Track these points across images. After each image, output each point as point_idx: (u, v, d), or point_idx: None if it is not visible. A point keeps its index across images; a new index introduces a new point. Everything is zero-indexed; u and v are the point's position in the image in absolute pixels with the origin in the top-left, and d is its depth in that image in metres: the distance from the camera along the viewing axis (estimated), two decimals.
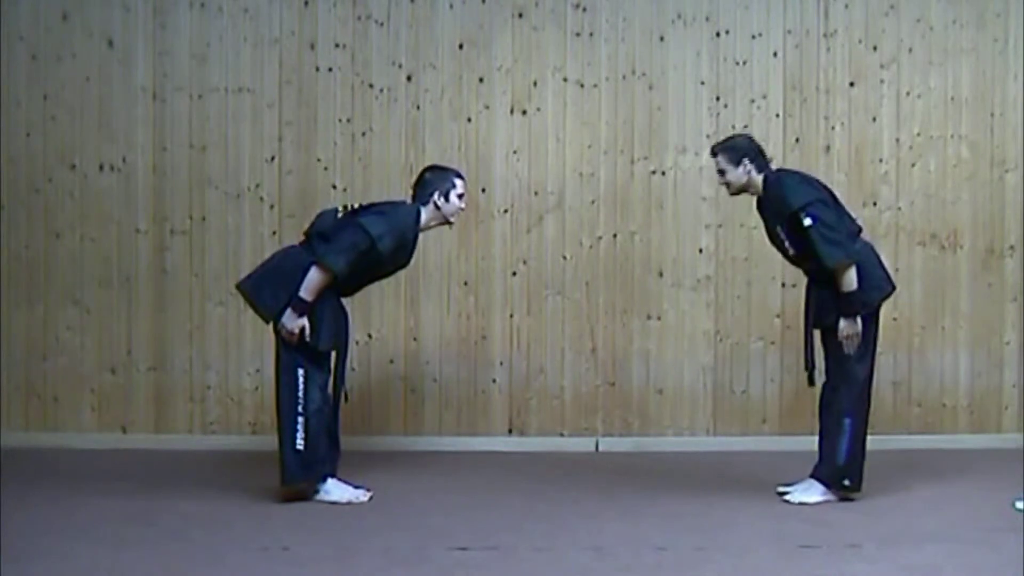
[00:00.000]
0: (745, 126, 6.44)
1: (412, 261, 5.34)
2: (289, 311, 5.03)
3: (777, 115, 6.51)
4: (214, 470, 5.87)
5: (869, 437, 5.25)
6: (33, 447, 6.29)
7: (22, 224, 6.46)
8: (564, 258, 6.50)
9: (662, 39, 6.51)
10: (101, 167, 6.46)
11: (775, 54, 6.51)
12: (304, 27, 6.45)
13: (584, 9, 6.49)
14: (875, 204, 6.48)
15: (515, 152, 6.49)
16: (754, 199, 5.34)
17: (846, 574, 4.23)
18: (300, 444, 5.10)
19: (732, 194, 5.36)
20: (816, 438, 5.33)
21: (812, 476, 5.31)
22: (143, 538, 4.61)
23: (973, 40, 6.55)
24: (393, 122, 6.46)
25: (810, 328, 5.34)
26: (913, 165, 6.55)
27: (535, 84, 6.49)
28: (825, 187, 5.24)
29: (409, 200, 5.31)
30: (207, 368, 6.47)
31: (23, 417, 6.46)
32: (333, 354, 5.25)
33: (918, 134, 6.55)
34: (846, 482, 5.22)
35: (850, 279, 5.08)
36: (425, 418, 6.50)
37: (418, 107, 6.44)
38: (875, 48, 6.53)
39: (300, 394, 5.10)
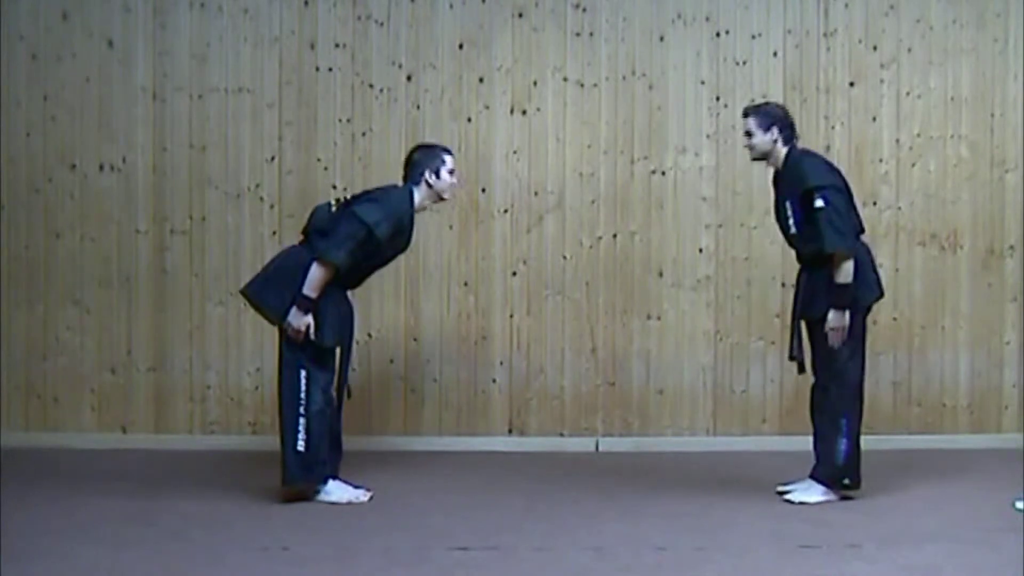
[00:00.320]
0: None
1: (411, 246, 5.33)
2: (295, 309, 5.04)
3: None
4: (214, 470, 5.87)
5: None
6: (33, 447, 6.29)
7: (22, 224, 6.46)
8: (564, 258, 6.50)
9: (662, 39, 6.51)
10: (101, 167, 6.46)
11: (775, 54, 6.51)
12: (304, 27, 6.45)
13: (584, 9, 6.49)
14: (875, 204, 6.47)
15: (515, 152, 6.49)
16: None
17: (846, 574, 4.23)
18: (301, 445, 5.10)
19: (753, 159, 5.37)
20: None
21: (811, 477, 5.31)
22: (143, 538, 4.61)
23: (973, 40, 6.55)
24: (393, 122, 6.46)
25: (798, 316, 5.34)
26: (913, 165, 6.55)
27: (535, 84, 6.49)
28: (844, 179, 5.25)
29: (401, 183, 5.30)
30: (207, 368, 6.47)
31: (23, 417, 6.46)
32: (338, 351, 5.25)
33: (918, 134, 6.55)
34: (846, 481, 5.23)
35: (847, 270, 5.09)
36: (425, 418, 6.50)
37: (418, 107, 6.44)
38: (875, 48, 6.53)
39: (302, 395, 5.10)
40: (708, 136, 6.49)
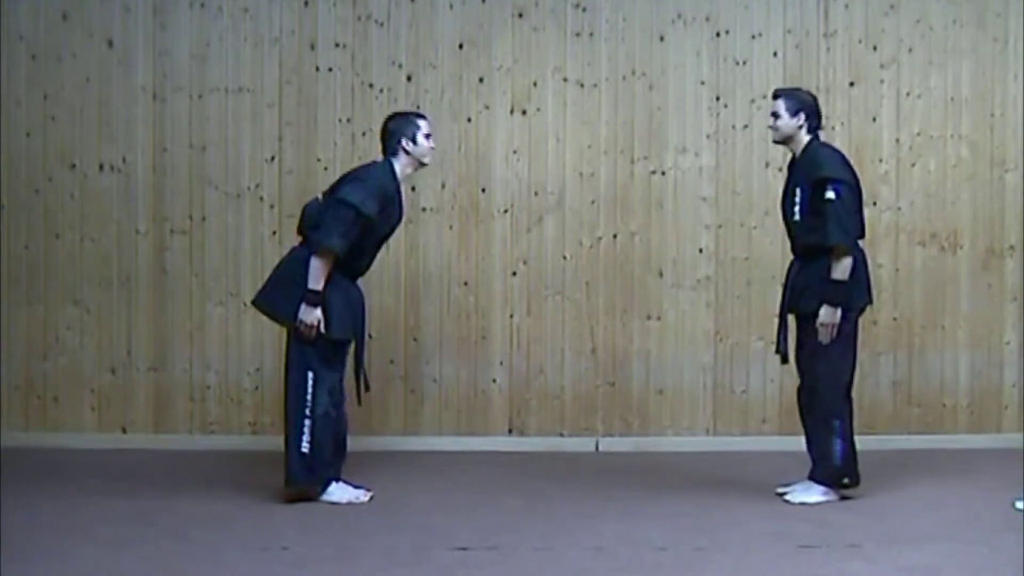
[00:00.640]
0: (745, 126, 6.46)
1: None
2: (304, 305, 5.03)
3: None
4: (214, 470, 5.87)
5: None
6: (33, 447, 6.28)
7: (22, 224, 6.46)
8: (564, 258, 6.50)
9: (662, 39, 6.51)
10: (101, 167, 6.46)
11: (775, 54, 6.51)
12: (304, 27, 6.45)
13: (584, 9, 6.49)
14: (875, 204, 6.47)
15: (515, 152, 6.49)
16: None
17: (846, 574, 4.23)
18: (305, 447, 5.10)
19: (775, 141, 5.39)
20: None
21: (810, 478, 5.31)
22: (143, 538, 4.61)
23: (973, 40, 6.55)
24: None
25: (786, 309, 5.33)
26: (913, 165, 6.55)
27: (535, 84, 6.49)
28: (857, 179, 5.26)
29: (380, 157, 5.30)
30: (207, 368, 6.46)
31: (23, 417, 6.46)
32: (349, 345, 5.23)
33: (918, 134, 6.55)
34: (846, 480, 5.24)
35: (845, 266, 5.10)
36: (425, 418, 6.50)
37: (418, 107, 6.43)
38: (875, 48, 6.53)
39: (308, 397, 5.10)
40: (708, 136, 6.49)
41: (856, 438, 5.31)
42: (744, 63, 6.51)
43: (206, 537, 4.65)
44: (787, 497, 5.28)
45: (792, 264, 5.36)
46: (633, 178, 6.51)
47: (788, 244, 5.45)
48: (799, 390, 5.38)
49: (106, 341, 6.46)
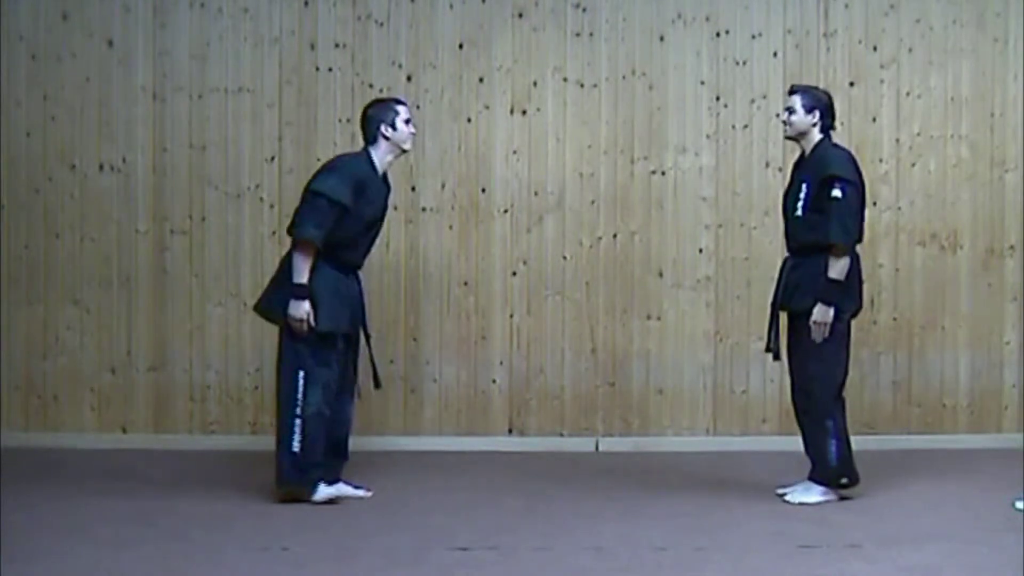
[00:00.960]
0: (745, 126, 6.46)
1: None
2: (292, 301, 5.03)
3: (777, 115, 6.47)
4: (214, 470, 5.87)
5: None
6: (33, 447, 6.28)
7: (22, 224, 6.46)
8: (564, 258, 6.50)
9: (662, 39, 6.51)
10: (101, 167, 6.46)
11: (775, 54, 6.51)
12: (304, 27, 6.45)
13: (584, 9, 6.49)
14: (875, 204, 6.46)
15: (515, 152, 6.49)
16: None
17: (846, 574, 4.23)
18: (296, 447, 5.09)
19: (787, 137, 5.40)
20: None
21: (809, 479, 5.31)
22: (143, 538, 4.61)
23: (973, 40, 6.55)
24: None
25: (777, 306, 5.33)
26: (913, 165, 6.55)
27: (535, 84, 6.49)
28: (864, 183, 5.26)
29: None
30: (207, 368, 6.46)
31: (23, 417, 6.46)
32: (344, 340, 5.22)
33: (918, 134, 6.55)
34: (844, 480, 5.23)
35: (842, 266, 5.11)
36: (425, 418, 6.50)
37: (418, 107, 6.43)
38: (875, 48, 6.53)
39: (299, 396, 5.09)
40: (708, 136, 6.49)
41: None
42: (744, 63, 6.51)
43: (206, 537, 4.65)
44: (787, 498, 5.28)
45: (786, 261, 5.36)
46: (633, 178, 6.51)
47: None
48: (793, 392, 5.37)
49: (106, 341, 6.46)
